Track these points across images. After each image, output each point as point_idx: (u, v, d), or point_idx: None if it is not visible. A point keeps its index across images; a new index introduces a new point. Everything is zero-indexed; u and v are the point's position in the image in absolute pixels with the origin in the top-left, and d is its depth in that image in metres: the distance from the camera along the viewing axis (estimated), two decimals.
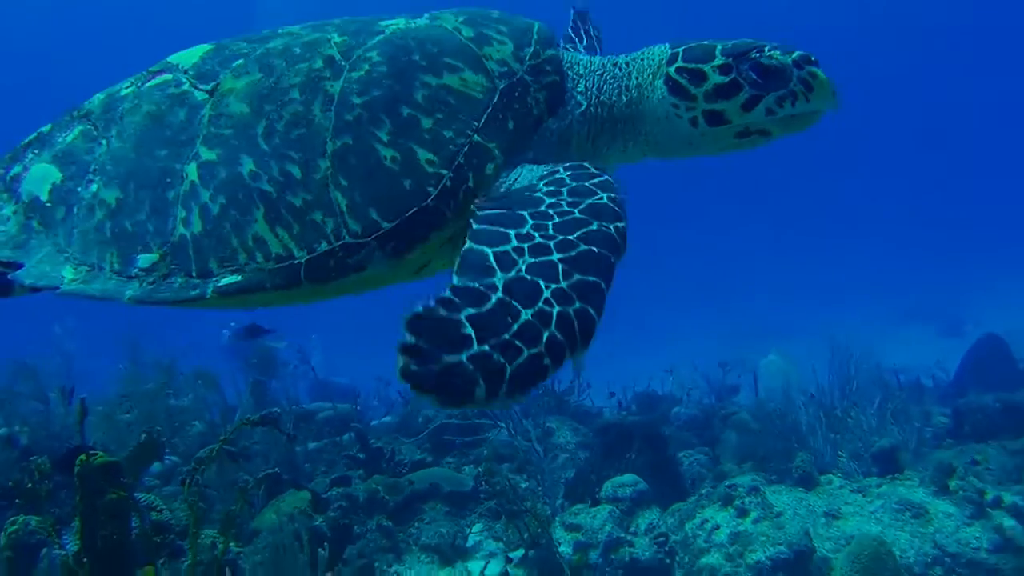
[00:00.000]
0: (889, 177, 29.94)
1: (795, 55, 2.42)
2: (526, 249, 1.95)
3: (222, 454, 4.37)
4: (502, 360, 1.65)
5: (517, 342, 1.70)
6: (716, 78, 2.46)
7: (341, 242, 2.30)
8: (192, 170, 2.42)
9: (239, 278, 2.35)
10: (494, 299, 1.78)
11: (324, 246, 2.31)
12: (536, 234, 2.00)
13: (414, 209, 2.30)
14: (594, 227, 2.01)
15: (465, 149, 2.34)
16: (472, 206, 2.23)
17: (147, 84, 2.69)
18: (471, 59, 2.49)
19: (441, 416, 7.57)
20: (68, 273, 2.57)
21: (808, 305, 17.28)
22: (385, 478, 6.24)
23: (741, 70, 2.43)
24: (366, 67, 2.45)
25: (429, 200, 2.30)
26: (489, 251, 1.94)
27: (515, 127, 2.44)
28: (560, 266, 1.90)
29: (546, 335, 1.73)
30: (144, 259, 2.44)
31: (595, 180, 2.20)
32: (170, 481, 6.00)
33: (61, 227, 2.64)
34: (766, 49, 2.44)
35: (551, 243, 1.97)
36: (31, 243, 2.70)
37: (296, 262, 2.32)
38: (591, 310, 1.82)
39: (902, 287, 18.12)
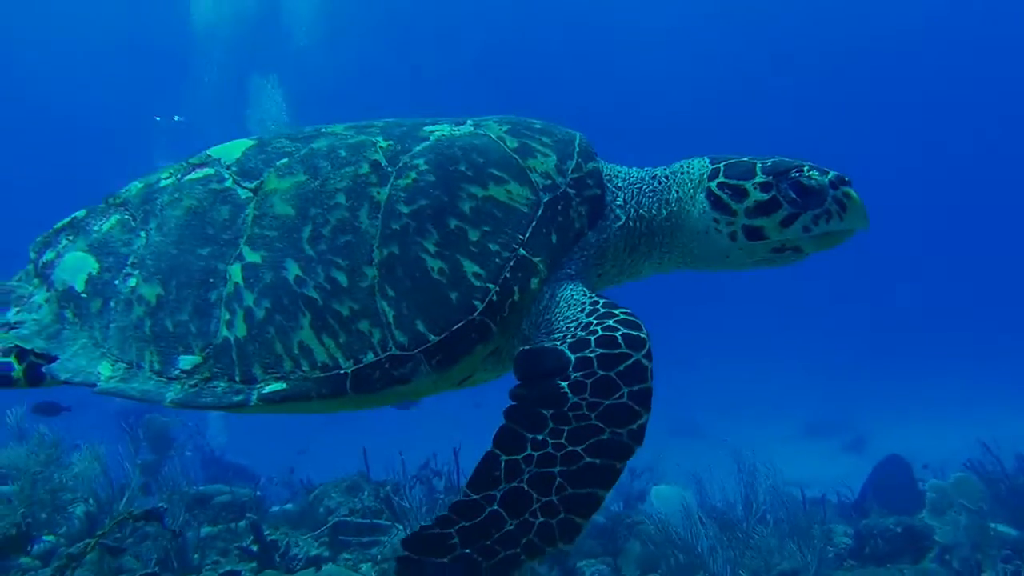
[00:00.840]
0: (787, 291, 30.97)
1: (831, 175, 2.50)
2: (535, 459, 2.03)
3: (101, 548, 4.08)
4: (479, 558, 1.91)
5: (496, 546, 1.92)
6: (757, 195, 2.53)
7: (388, 354, 2.28)
8: (236, 271, 2.38)
9: (284, 386, 2.30)
10: (487, 511, 1.97)
11: (371, 357, 2.29)
12: (550, 441, 2.06)
13: (461, 323, 2.29)
14: (605, 436, 2.05)
15: (511, 263, 2.35)
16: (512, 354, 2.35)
17: (187, 177, 2.64)
18: (516, 171, 2.51)
19: (343, 509, 7.31)
20: (106, 370, 2.46)
21: (714, 414, 17.48)
22: (278, 574, 5.94)
23: (781, 188, 2.50)
24: (413, 175, 2.44)
25: (476, 314, 2.30)
26: (503, 459, 2.04)
27: (558, 241, 2.47)
28: (557, 480, 1.99)
29: (524, 540, 1.92)
30: (186, 361, 2.38)
31: (623, 365, 2.14)
32: (48, 563, 5.60)
33: (97, 320, 2.54)
34: (805, 169, 2.51)
35: (559, 454, 2.03)
36: (64, 334, 2.57)
37: (342, 372, 2.28)
38: (576, 519, 1.94)
39: (806, 400, 18.56)
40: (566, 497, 1.97)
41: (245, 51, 23.23)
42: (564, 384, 2.14)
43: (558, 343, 2.24)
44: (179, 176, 2.67)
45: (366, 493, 7.62)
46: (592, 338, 2.21)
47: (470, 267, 2.33)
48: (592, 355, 2.17)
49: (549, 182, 2.53)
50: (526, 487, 1.99)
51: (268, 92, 20.30)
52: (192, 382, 2.36)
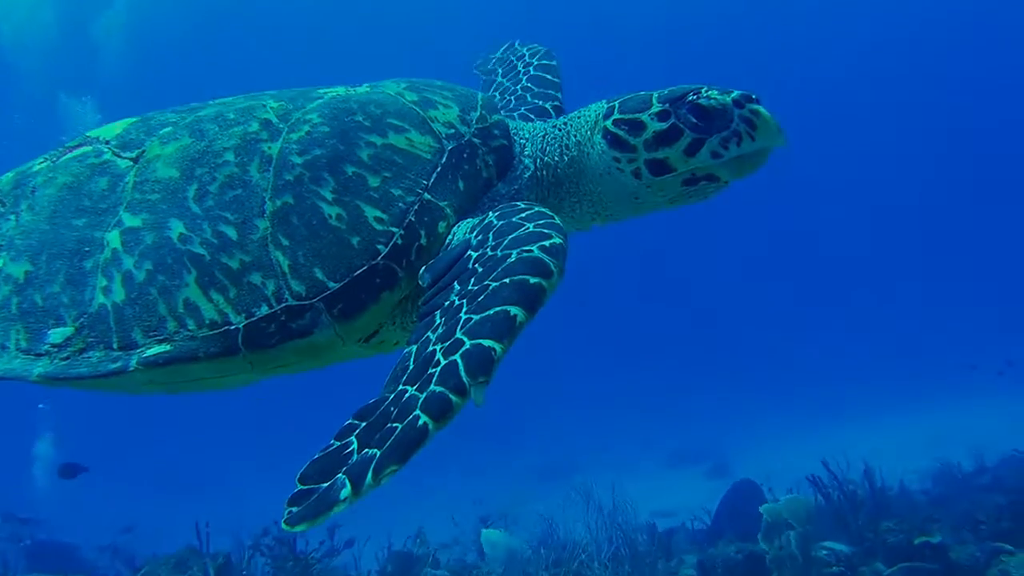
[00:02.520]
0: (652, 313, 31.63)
1: (734, 94, 2.32)
2: (443, 323, 1.92)
3: None
4: (372, 450, 1.68)
5: (395, 424, 1.71)
6: (655, 125, 2.36)
7: (283, 304, 2.14)
8: (115, 237, 2.24)
9: (168, 348, 2.14)
10: (390, 398, 1.80)
11: (264, 309, 2.14)
12: (456, 299, 1.97)
13: (364, 268, 2.17)
14: (512, 258, 1.97)
15: (416, 207, 2.26)
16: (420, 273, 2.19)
17: (64, 157, 2.51)
18: (417, 120, 2.43)
19: None
20: None
21: (589, 452, 17.47)
22: None
23: (680, 115, 2.34)
24: (306, 128, 2.34)
25: (380, 258, 2.18)
26: (413, 349, 1.92)
27: (465, 188, 2.39)
28: (462, 317, 1.87)
29: (423, 396, 1.72)
30: (56, 333, 2.23)
31: (524, 212, 2.18)
32: None
33: None
34: (703, 90, 2.34)
35: (464, 300, 1.94)
36: None
37: (233, 327, 2.14)
38: (485, 343, 1.77)
39: (674, 427, 18.83)
40: (471, 327, 1.83)
41: (55, 74, 22.45)
42: (468, 249, 2.13)
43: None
44: (54, 159, 2.54)
45: (195, 569, 7.09)
46: (490, 212, 2.27)
47: (372, 212, 2.22)
48: (491, 217, 2.22)
49: (452, 131, 2.46)
50: (432, 347, 1.86)
51: (84, 116, 19.49)
52: (64, 355, 2.21)
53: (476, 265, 2.06)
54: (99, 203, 2.34)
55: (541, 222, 2.13)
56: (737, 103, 2.31)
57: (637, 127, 2.39)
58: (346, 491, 1.62)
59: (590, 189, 2.57)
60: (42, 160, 2.61)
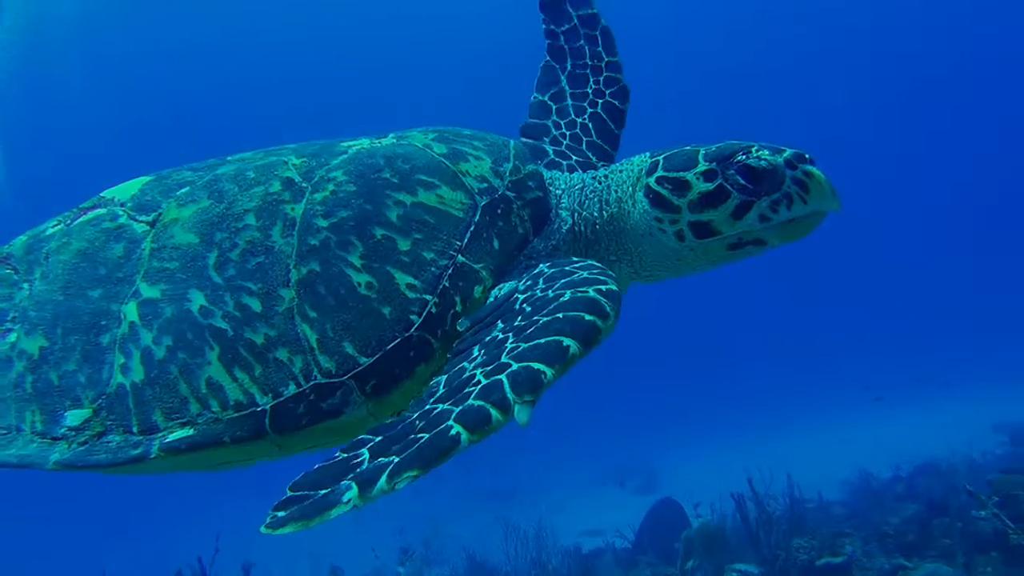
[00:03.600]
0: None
1: (787, 154, 2.18)
2: (482, 354, 1.80)
3: None
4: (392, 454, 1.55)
5: (421, 435, 1.58)
6: (700, 186, 2.22)
7: (312, 383, 1.99)
8: (132, 309, 2.11)
9: (191, 432, 2.00)
10: (414, 416, 1.68)
11: (292, 389, 1.99)
12: (499, 334, 1.86)
13: (397, 340, 2.02)
14: (566, 296, 1.86)
15: (450, 271, 2.11)
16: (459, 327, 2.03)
17: (77, 221, 2.37)
18: (447, 175, 2.27)
19: None
20: None
21: (531, 472, 17.40)
22: None
23: (727, 175, 2.20)
24: (331, 187, 2.20)
25: (413, 329, 2.03)
26: (442, 378, 1.79)
27: (501, 247, 2.23)
28: (508, 346, 1.75)
29: (457, 410, 1.60)
30: (73, 416, 2.08)
31: (577, 263, 2.06)
32: None
33: None
34: (754, 150, 2.20)
35: (511, 334, 1.81)
36: None
37: (259, 409, 1.99)
38: (534, 365, 1.65)
39: (605, 445, 18.88)
40: (518, 353, 1.71)
41: None
42: (517, 293, 2.04)
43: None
44: (68, 222, 2.41)
45: None
46: (543, 265, 2.16)
47: (403, 278, 2.08)
48: (543, 266, 2.14)
49: (485, 185, 2.30)
50: (470, 370, 1.75)
51: None
52: (81, 439, 2.06)
53: (524, 305, 1.95)
54: (115, 272, 2.20)
55: (595, 270, 2.02)
56: (789, 164, 2.17)
57: (682, 186, 2.25)
58: (351, 493, 1.47)
59: (630, 248, 2.44)
60: (56, 223, 2.47)
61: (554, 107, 3.03)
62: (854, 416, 16.07)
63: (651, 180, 2.31)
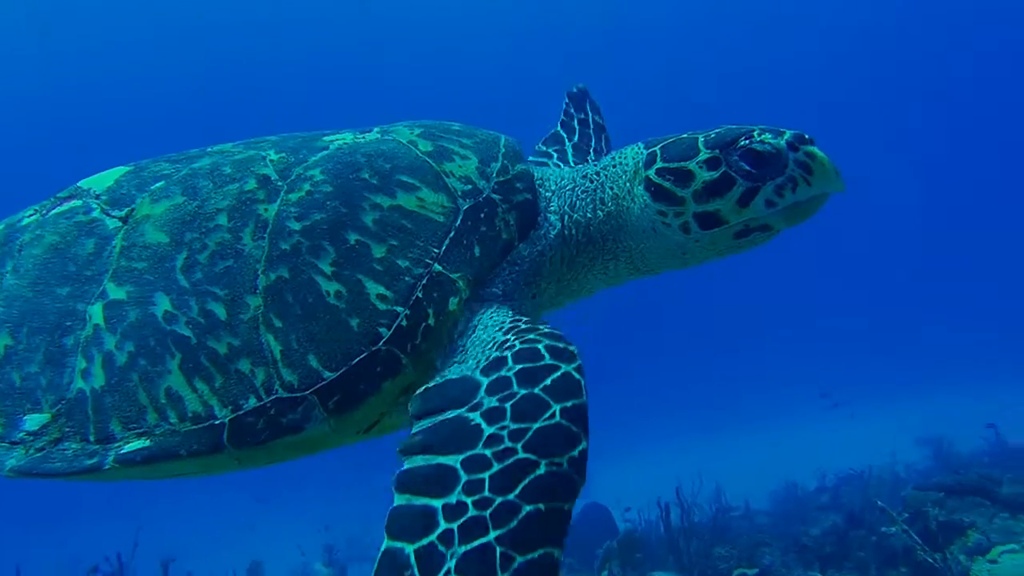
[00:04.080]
0: None
1: (787, 136, 2.11)
2: (456, 533, 1.52)
3: None
4: None
5: None
6: (704, 174, 2.13)
7: (273, 397, 1.91)
8: (98, 311, 2.03)
9: (147, 443, 1.93)
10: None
11: (252, 402, 1.91)
12: (469, 501, 1.56)
13: (363, 355, 1.93)
14: (542, 471, 1.58)
15: (424, 281, 2.00)
16: (410, 409, 1.81)
17: (52, 212, 2.29)
18: (430, 176, 2.17)
19: None
20: None
21: None
22: None
23: (731, 161, 2.12)
24: (306, 187, 2.10)
25: (381, 343, 1.93)
26: (410, 551, 1.51)
27: (482, 254, 2.12)
28: (497, 551, 1.48)
29: None
30: (32, 420, 2.01)
31: (550, 378, 1.73)
32: None
33: None
34: (756, 133, 2.12)
35: (487, 513, 1.53)
36: None
37: (218, 422, 1.91)
38: None
39: None
40: (517, 571, 1.47)
41: None
42: (475, 415, 1.70)
43: (466, 370, 1.88)
44: (44, 212, 2.32)
45: None
46: (509, 354, 1.83)
47: (374, 288, 1.97)
48: (510, 373, 1.77)
49: (470, 187, 2.19)
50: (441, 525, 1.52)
51: None
52: (39, 445, 1.99)
53: (486, 450, 1.65)
54: (84, 270, 2.12)
55: (568, 406, 1.69)
56: (791, 146, 2.10)
57: (684, 177, 2.16)
58: None
59: (630, 245, 2.34)
60: (32, 211, 2.39)
61: (555, 153, 3.06)
62: (792, 423, 16.35)
63: (651, 172, 2.21)
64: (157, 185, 2.22)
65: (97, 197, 2.28)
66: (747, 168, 2.11)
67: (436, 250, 2.06)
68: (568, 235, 2.36)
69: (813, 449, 12.67)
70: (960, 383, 16.34)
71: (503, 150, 2.35)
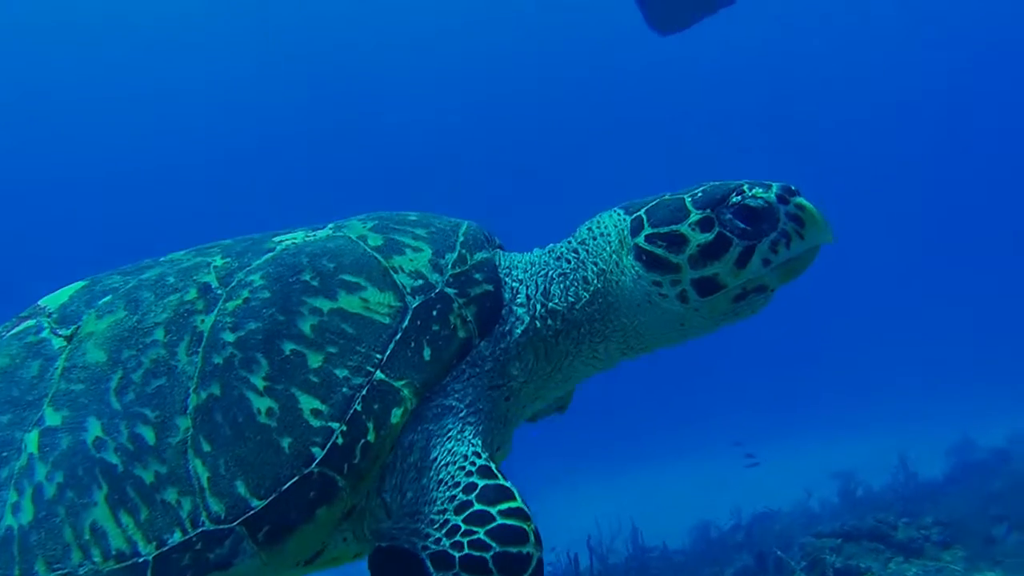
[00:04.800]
0: None
1: (775, 189, 2.03)
2: None
3: None
4: None
5: None
6: (698, 237, 2.02)
7: (199, 530, 1.79)
8: (33, 439, 1.92)
9: None
10: None
11: (177, 536, 1.78)
12: None
13: (294, 479, 1.79)
14: None
15: (364, 392, 1.87)
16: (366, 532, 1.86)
17: (9, 332, 2.21)
18: (376, 273, 2.04)
19: None
20: None
21: None
22: None
23: (724, 220, 2.02)
24: (245, 294, 2.00)
25: (314, 465, 1.80)
26: None
27: (433, 356, 1.97)
28: None
29: None
30: None
31: (490, 526, 1.79)
32: None
33: None
34: (746, 188, 2.03)
35: None
36: None
37: (141, 560, 1.79)
38: None
39: None
40: None
41: None
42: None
43: (419, 545, 1.82)
44: (4, 332, 2.23)
45: None
46: (457, 556, 1.76)
47: (308, 402, 1.85)
48: (457, 555, 1.77)
49: (420, 282, 2.05)
50: None
51: None
52: None
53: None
54: (27, 394, 2.01)
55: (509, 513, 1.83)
56: (781, 199, 2.02)
57: (677, 241, 2.03)
58: None
59: (624, 324, 2.18)
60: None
61: None
62: (712, 457, 16.51)
63: (640, 240, 2.08)
64: (104, 300, 2.14)
65: (49, 316, 2.18)
66: (742, 226, 2.02)
67: (379, 356, 1.93)
68: (540, 327, 2.20)
69: (731, 485, 12.83)
70: (877, 417, 16.77)
71: (462, 238, 2.21)
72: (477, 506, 1.84)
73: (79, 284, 2.32)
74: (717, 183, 2.11)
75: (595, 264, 2.18)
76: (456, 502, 1.86)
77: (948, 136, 37.27)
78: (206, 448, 1.84)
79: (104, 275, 2.34)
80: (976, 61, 37.22)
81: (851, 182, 34.51)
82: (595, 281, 2.17)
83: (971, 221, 35.52)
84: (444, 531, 1.83)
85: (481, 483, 1.87)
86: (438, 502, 1.88)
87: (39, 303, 2.33)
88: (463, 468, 1.91)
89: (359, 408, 1.86)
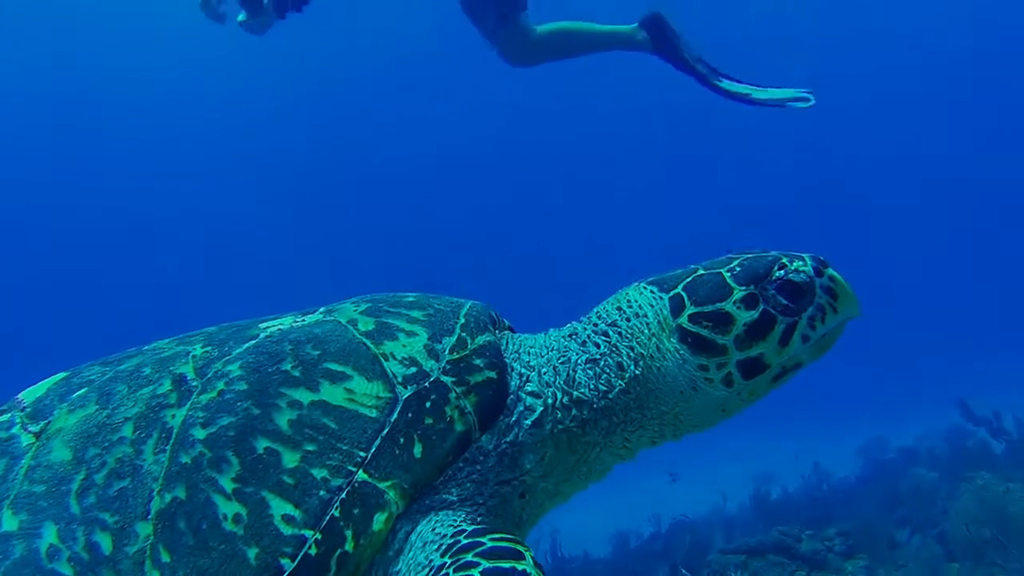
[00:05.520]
0: None
1: (810, 261, 1.92)
2: None
3: None
4: None
5: None
6: (744, 316, 1.88)
7: None
8: None
9: None
10: None
11: None
12: None
13: None
14: None
15: (343, 495, 1.67)
16: None
17: None
18: (364, 361, 1.85)
19: None
20: None
21: None
22: None
23: (767, 296, 1.89)
24: (220, 385, 1.82)
25: None
26: None
27: (425, 453, 1.76)
28: None
29: None
30: None
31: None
32: None
33: None
34: (787, 262, 1.92)
35: None
36: None
37: None
38: None
39: None
40: None
41: None
42: None
43: None
44: None
45: None
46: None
47: (280, 507, 1.65)
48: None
49: (413, 370, 1.85)
50: None
51: None
52: None
53: None
54: None
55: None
56: (817, 271, 1.93)
57: (723, 321, 1.89)
58: None
59: (663, 411, 2.00)
60: None
61: None
62: (633, 465, 16.62)
63: (683, 320, 1.93)
64: (79, 393, 1.96)
65: (23, 410, 2.00)
66: (784, 302, 1.91)
67: (363, 454, 1.73)
68: (564, 416, 2.00)
69: (654, 491, 12.95)
70: (798, 417, 17.14)
71: (462, 320, 2.02)
72: (464, 541, 1.68)
73: (60, 376, 2.15)
74: (750, 255, 1.99)
75: (631, 348, 2.00)
76: (440, 548, 1.70)
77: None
78: (165, 559, 1.65)
79: (86, 365, 2.16)
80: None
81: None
82: (632, 367, 2.00)
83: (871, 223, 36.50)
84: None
85: (468, 529, 1.73)
86: (419, 564, 1.72)
87: (18, 396, 2.15)
88: (447, 531, 1.75)
89: (336, 513, 1.67)
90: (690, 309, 1.92)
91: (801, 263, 1.93)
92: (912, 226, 35.37)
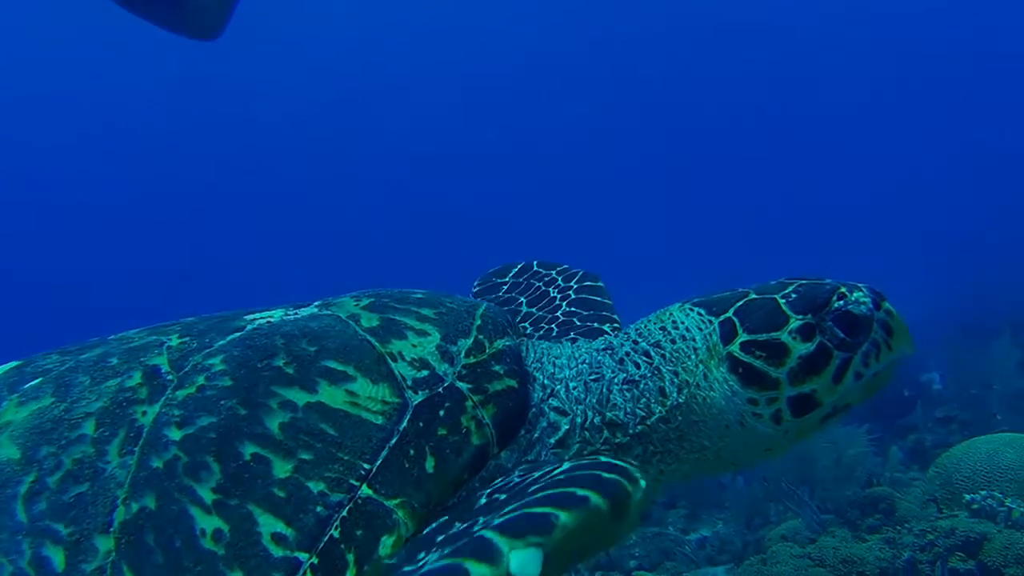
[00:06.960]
0: None
1: (868, 293, 1.78)
2: (454, 538, 1.31)
3: None
4: None
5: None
6: (800, 347, 1.71)
7: None
8: None
9: None
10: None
11: None
12: (459, 526, 1.37)
13: None
14: (565, 476, 1.39)
15: (344, 512, 1.46)
16: None
17: None
18: (368, 361, 1.66)
19: None
20: None
21: None
22: None
23: (825, 328, 1.73)
24: (200, 381, 1.60)
25: None
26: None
27: (438, 469, 1.56)
28: (484, 520, 1.32)
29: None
30: None
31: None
32: None
33: None
34: (847, 292, 1.76)
35: (481, 517, 1.35)
36: None
37: None
38: (537, 510, 1.24)
39: None
40: (514, 509, 1.29)
41: None
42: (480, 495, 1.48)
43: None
44: None
45: None
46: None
47: (269, 524, 1.44)
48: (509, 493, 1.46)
49: (425, 374, 1.67)
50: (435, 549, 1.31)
51: None
52: None
53: (497, 495, 1.46)
54: None
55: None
56: (876, 304, 1.78)
57: (778, 352, 1.72)
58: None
59: (704, 445, 1.83)
60: None
61: (519, 312, 2.68)
62: None
63: (734, 348, 1.75)
64: (32, 384, 1.73)
65: None
66: (841, 336, 1.74)
67: (367, 466, 1.53)
68: (593, 437, 1.82)
69: None
70: None
71: (479, 321, 1.83)
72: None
73: (11, 364, 1.93)
74: (806, 281, 1.84)
75: (675, 374, 1.82)
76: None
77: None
78: None
79: (42, 354, 1.94)
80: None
81: None
82: (675, 394, 1.82)
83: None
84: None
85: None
86: None
87: None
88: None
89: (336, 534, 1.46)
90: (743, 336, 1.76)
91: (861, 294, 1.78)
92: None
